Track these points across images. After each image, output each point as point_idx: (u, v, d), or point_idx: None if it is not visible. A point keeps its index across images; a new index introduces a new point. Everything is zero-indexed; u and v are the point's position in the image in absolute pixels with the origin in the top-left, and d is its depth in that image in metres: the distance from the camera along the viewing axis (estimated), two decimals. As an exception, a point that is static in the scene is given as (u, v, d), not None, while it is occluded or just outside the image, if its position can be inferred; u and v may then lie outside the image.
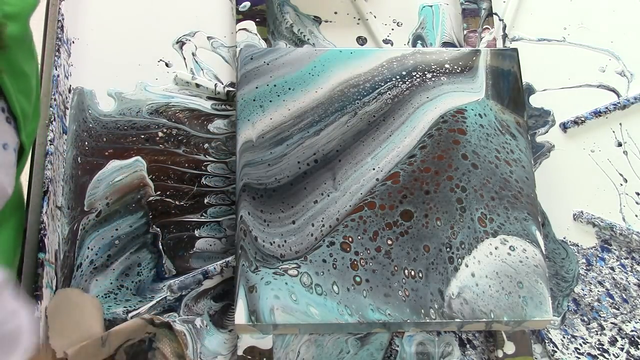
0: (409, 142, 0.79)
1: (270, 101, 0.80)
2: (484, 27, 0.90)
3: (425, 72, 0.82)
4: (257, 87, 0.81)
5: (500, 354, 0.76)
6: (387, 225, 0.75)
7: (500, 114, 0.80)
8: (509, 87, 0.82)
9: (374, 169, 0.77)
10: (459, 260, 0.74)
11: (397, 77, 0.82)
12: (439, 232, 0.75)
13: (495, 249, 0.74)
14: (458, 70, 0.83)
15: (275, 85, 0.81)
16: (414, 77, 0.82)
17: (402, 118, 0.80)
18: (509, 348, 0.76)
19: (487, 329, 0.76)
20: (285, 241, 0.74)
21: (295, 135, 0.79)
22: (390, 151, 0.78)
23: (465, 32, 0.90)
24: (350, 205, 0.76)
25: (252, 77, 0.82)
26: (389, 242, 0.74)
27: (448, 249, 0.74)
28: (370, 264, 0.73)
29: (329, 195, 0.76)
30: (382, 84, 0.82)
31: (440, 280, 0.73)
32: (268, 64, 0.82)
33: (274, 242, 0.74)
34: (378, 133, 0.79)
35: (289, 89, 0.81)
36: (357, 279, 0.73)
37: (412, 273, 0.73)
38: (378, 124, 0.80)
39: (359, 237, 0.74)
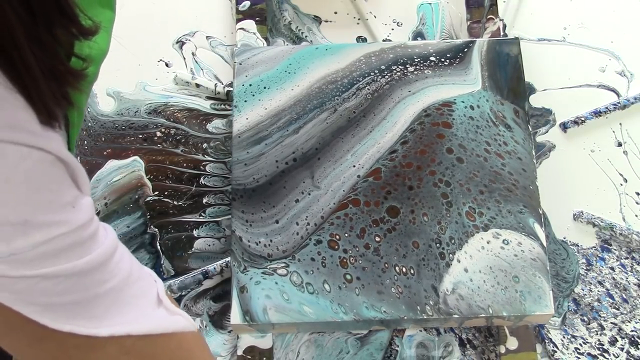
0: (389, 138, 0.78)
1: (245, 101, 0.80)
2: (488, 17, 0.89)
3: (407, 66, 0.81)
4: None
5: (502, 349, 0.75)
6: (374, 222, 0.75)
7: (498, 104, 0.79)
8: (508, 77, 0.81)
9: (354, 166, 0.77)
10: (450, 255, 0.73)
11: (376, 71, 0.81)
12: (427, 227, 0.74)
13: (487, 243, 0.74)
14: (446, 63, 0.82)
15: (250, 85, 0.81)
16: (394, 71, 0.81)
17: (383, 113, 0.79)
18: (512, 344, 0.75)
19: (488, 325, 0.75)
20: (271, 241, 0.74)
21: (274, 134, 0.78)
22: (371, 147, 0.78)
23: (468, 23, 0.90)
24: (333, 203, 0.75)
25: (230, 78, 0.82)
26: (377, 239, 0.74)
27: (438, 245, 0.73)
28: (360, 262, 0.73)
29: (309, 194, 0.76)
30: (360, 79, 0.81)
31: (432, 276, 0.72)
32: (241, 64, 0.82)
33: (259, 242, 0.74)
34: (358, 129, 0.79)
35: (265, 87, 0.81)
36: (348, 276, 0.72)
37: (404, 270, 0.73)
38: (358, 120, 0.79)
39: (346, 235, 0.74)
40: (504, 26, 0.91)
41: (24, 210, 0.39)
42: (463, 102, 0.80)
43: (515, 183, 0.76)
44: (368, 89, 0.80)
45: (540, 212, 0.75)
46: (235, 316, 0.71)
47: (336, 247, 0.74)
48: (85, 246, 0.43)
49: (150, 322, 0.48)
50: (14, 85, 0.36)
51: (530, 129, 0.79)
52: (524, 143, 0.78)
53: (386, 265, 0.73)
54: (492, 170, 0.76)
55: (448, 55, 0.82)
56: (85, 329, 0.44)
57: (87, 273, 0.43)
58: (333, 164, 0.77)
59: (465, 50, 0.83)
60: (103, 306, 0.45)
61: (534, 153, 0.78)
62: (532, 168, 0.77)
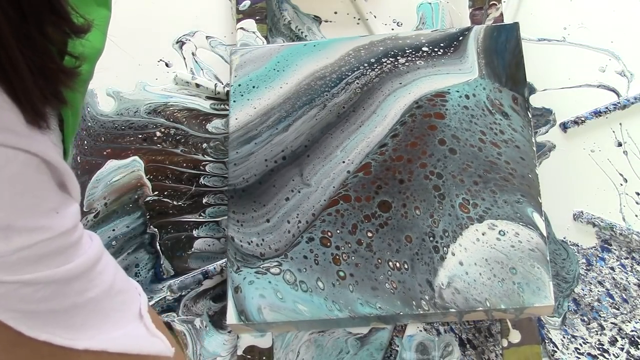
0: (379, 131, 0.77)
1: (234, 101, 0.80)
2: (491, 2, 0.89)
3: (398, 58, 0.81)
4: None
5: (505, 343, 0.74)
6: (366, 218, 0.74)
7: (496, 92, 0.78)
8: (505, 64, 0.79)
9: (343, 162, 0.76)
10: (444, 249, 0.72)
11: (365, 64, 0.81)
12: (419, 221, 0.73)
13: (483, 234, 0.72)
14: (439, 53, 0.81)
15: (239, 85, 0.80)
16: (384, 64, 0.80)
17: (372, 107, 0.79)
18: (515, 337, 0.74)
19: (488, 318, 0.74)
20: (263, 240, 0.74)
21: (264, 133, 0.78)
22: (360, 142, 0.77)
23: (470, 10, 0.89)
24: (324, 200, 0.75)
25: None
26: (369, 234, 0.73)
27: (431, 238, 0.73)
28: (353, 258, 0.72)
29: (299, 192, 0.75)
30: (350, 73, 0.80)
31: (427, 270, 0.71)
32: (230, 64, 0.82)
33: (251, 242, 0.74)
34: (348, 124, 0.78)
35: (253, 87, 0.80)
36: (341, 273, 0.72)
37: (397, 265, 0.72)
38: (348, 115, 0.78)
39: (338, 231, 0.74)
40: (504, 26, 0.92)
41: (6, 214, 0.38)
42: (458, 91, 0.78)
43: (512, 172, 0.74)
44: (357, 83, 0.80)
45: (540, 200, 0.73)
46: (231, 316, 0.71)
47: (328, 244, 0.73)
48: (67, 254, 0.42)
49: (128, 340, 0.48)
50: (0, 85, 0.36)
51: (530, 116, 0.77)
52: (522, 131, 0.76)
53: (379, 260, 0.72)
54: (487, 160, 0.75)
55: (441, 45, 0.81)
56: (62, 339, 0.44)
57: (68, 281, 0.43)
58: (322, 161, 0.77)
59: (460, 38, 0.81)
60: (81, 316, 0.45)
61: (534, 140, 0.76)
62: (531, 156, 0.75)
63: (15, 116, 0.38)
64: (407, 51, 0.81)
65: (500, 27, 0.82)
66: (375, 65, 0.80)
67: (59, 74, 0.40)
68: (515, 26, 0.81)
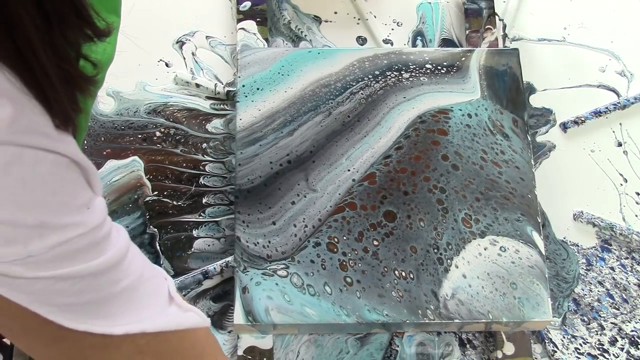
0: (384, 143, 0.78)
1: (238, 102, 0.80)
2: (486, 27, 0.90)
3: (402, 72, 0.82)
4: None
5: (499, 354, 0.75)
6: (372, 226, 0.75)
7: (497, 114, 0.80)
8: (506, 88, 0.81)
9: (349, 170, 0.77)
10: (448, 261, 0.73)
11: (370, 76, 0.81)
12: (424, 233, 0.74)
13: (485, 249, 0.74)
14: (443, 71, 0.82)
15: (243, 86, 0.80)
16: (388, 77, 0.81)
17: (377, 119, 0.79)
18: (509, 349, 0.75)
19: (487, 330, 0.75)
20: (269, 242, 0.74)
21: (269, 136, 0.78)
22: (365, 152, 0.78)
23: (467, 32, 0.90)
24: (330, 206, 0.75)
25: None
26: (375, 242, 0.74)
27: (435, 250, 0.74)
28: (360, 265, 0.73)
29: (305, 196, 0.76)
30: (354, 83, 0.81)
31: (431, 281, 0.72)
32: (236, 63, 0.82)
33: (258, 243, 0.74)
34: (352, 133, 0.79)
35: (258, 89, 0.80)
36: (348, 279, 0.72)
37: (403, 274, 0.73)
38: (352, 124, 0.79)
39: (345, 238, 0.74)
40: (504, 26, 0.92)
41: (40, 213, 0.39)
42: (460, 110, 0.80)
43: (512, 191, 0.76)
44: (362, 94, 0.81)
45: (539, 220, 0.76)
46: (238, 316, 0.71)
47: (335, 250, 0.74)
48: (99, 247, 0.43)
49: (164, 319, 0.49)
50: (30, 90, 0.37)
51: (529, 139, 0.79)
52: (522, 152, 0.78)
53: (385, 269, 0.73)
54: (488, 178, 0.77)
55: (445, 64, 0.82)
56: (101, 327, 0.45)
57: (102, 273, 0.44)
58: (328, 167, 0.77)
59: (463, 59, 0.83)
60: (118, 305, 0.46)
61: (532, 162, 0.78)
62: (530, 177, 0.77)
63: (44, 119, 0.38)
64: (411, 67, 0.82)
65: (501, 51, 0.83)
66: (380, 77, 0.81)
67: (79, 79, 0.40)
68: (515, 52, 0.83)
